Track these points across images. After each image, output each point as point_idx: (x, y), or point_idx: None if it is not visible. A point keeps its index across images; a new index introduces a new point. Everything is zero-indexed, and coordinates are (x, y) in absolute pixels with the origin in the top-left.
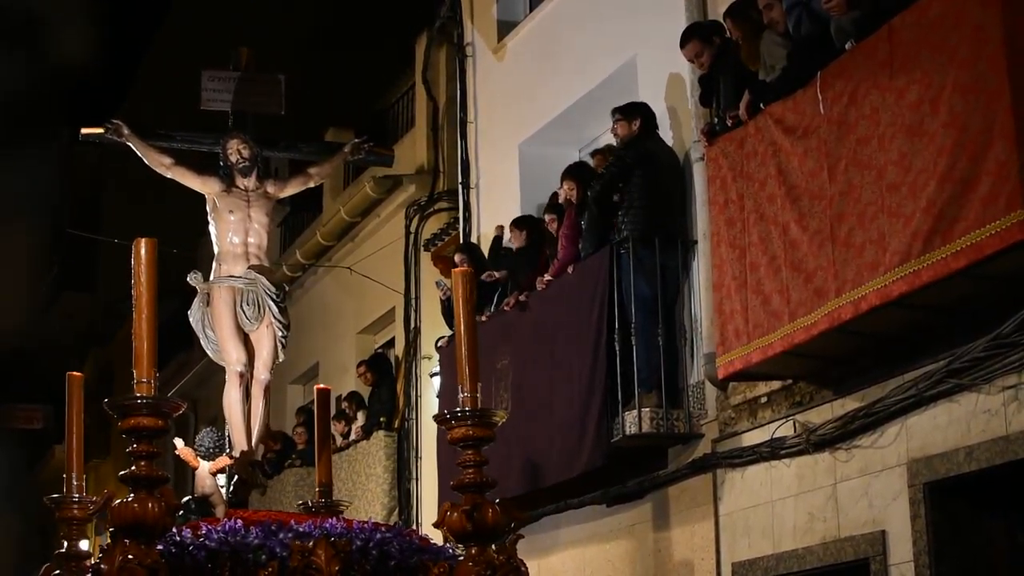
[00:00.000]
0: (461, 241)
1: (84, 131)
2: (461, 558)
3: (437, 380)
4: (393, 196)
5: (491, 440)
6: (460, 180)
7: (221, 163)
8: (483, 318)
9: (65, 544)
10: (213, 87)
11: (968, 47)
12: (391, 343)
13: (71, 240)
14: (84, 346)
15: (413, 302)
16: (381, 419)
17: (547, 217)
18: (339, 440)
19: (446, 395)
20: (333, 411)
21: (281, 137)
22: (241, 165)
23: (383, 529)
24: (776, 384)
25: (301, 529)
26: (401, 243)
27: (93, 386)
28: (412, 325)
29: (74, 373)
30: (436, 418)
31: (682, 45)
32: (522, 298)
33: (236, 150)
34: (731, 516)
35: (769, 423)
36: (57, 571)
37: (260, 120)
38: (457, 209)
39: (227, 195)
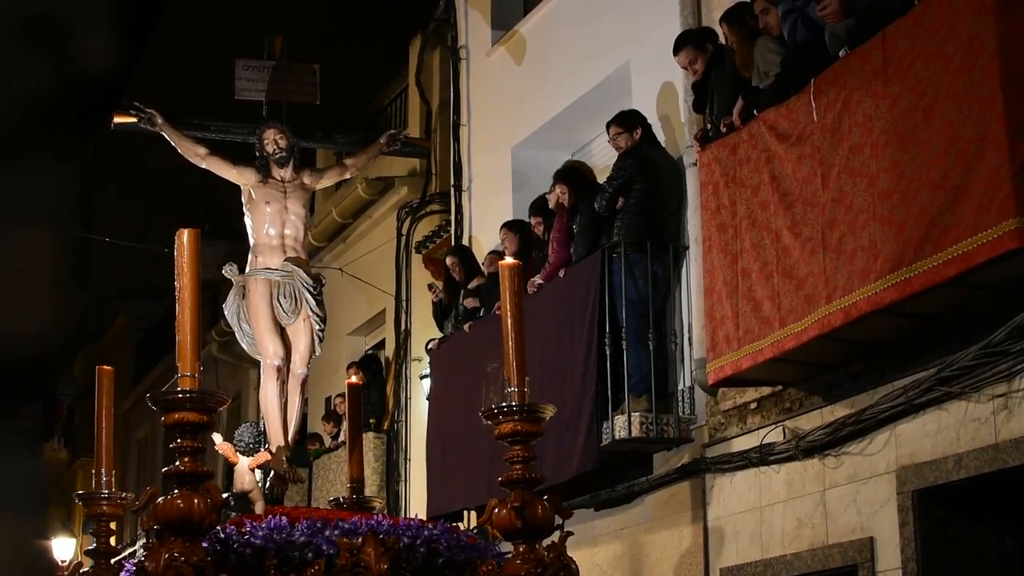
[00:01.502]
0: (452, 244)
1: (117, 119)
2: (509, 556)
3: (427, 383)
4: (385, 198)
5: (539, 435)
6: (452, 183)
7: (257, 153)
8: (466, 328)
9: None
10: (247, 76)
11: (962, 56)
12: (381, 345)
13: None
14: (74, 344)
15: (404, 304)
16: (370, 421)
17: (533, 220)
18: (328, 441)
19: (436, 397)
20: (323, 412)
21: (317, 127)
22: (278, 155)
23: (430, 526)
24: (766, 390)
25: (347, 526)
26: (392, 245)
27: (84, 384)
28: (403, 327)
29: (105, 367)
30: (484, 413)
31: (675, 52)
32: None
33: (273, 140)
34: (719, 521)
35: (759, 429)
36: (86, 569)
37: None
38: (449, 212)
39: (263, 186)
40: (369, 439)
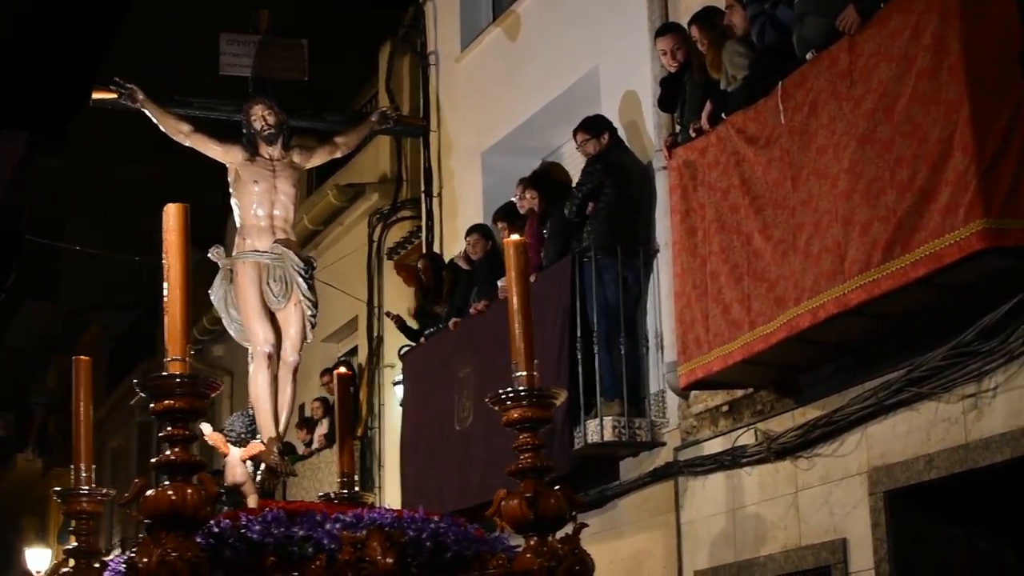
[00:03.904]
0: (424, 249)
1: (95, 96)
2: (520, 549)
3: (400, 389)
4: (356, 205)
5: (549, 421)
6: (423, 189)
7: (244, 131)
8: (454, 323)
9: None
10: (232, 51)
11: (928, 58)
12: (354, 351)
13: (31, 248)
14: (46, 354)
15: (376, 311)
16: None
17: (499, 225)
18: (301, 448)
19: (409, 404)
20: (296, 419)
21: (306, 105)
22: (266, 133)
23: (436, 519)
24: (737, 393)
25: (349, 519)
26: (364, 252)
27: (57, 394)
28: (375, 334)
29: (82, 357)
30: (490, 399)
31: (660, 34)
32: (481, 307)
33: (261, 117)
34: (692, 524)
35: (731, 431)
36: (66, 569)
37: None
38: (420, 218)
39: (251, 165)
40: None
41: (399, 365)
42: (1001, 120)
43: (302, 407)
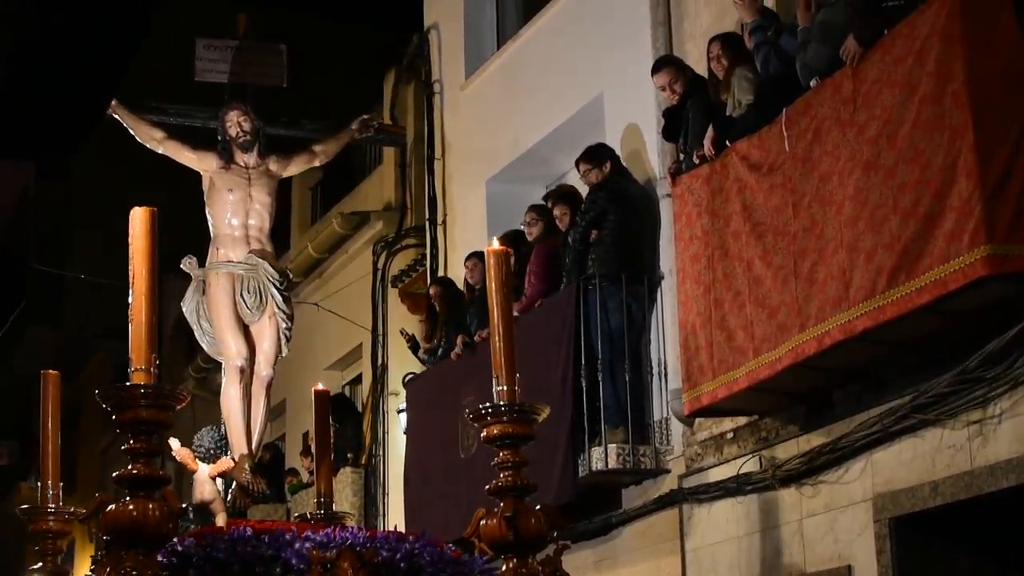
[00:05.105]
0: (428, 277)
1: None
2: (498, 572)
3: (404, 416)
4: (361, 232)
5: (531, 438)
6: (427, 217)
7: (219, 138)
8: (456, 353)
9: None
10: (209, 57)
11: (931, 84)
12: (359, 379)
13: (36, 275)
14: None
15: (380, 338)
16: (348, 455)
17: None
18: (306, 476)
19: (413, 431)
20: (300, 447)
21: (283, 113)
22: (242, 140)
23: (410, 539)
24: (742, 420)
25: (319, 538)
26: (368, 279)
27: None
28: (380, 361)
29: (50, 372)
30: (471, 414)
31: (655, 71)
32: (485, 334)
33: (236, 123)
34: (697, 552)
35: (735, 458)
36: None
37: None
38: (424, 246)
39: (225, 172)
40: (347, 474)
41: (403, 393)
42: (1006, 146)
43: (305, 435)
